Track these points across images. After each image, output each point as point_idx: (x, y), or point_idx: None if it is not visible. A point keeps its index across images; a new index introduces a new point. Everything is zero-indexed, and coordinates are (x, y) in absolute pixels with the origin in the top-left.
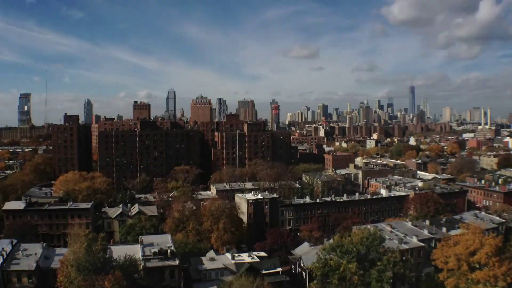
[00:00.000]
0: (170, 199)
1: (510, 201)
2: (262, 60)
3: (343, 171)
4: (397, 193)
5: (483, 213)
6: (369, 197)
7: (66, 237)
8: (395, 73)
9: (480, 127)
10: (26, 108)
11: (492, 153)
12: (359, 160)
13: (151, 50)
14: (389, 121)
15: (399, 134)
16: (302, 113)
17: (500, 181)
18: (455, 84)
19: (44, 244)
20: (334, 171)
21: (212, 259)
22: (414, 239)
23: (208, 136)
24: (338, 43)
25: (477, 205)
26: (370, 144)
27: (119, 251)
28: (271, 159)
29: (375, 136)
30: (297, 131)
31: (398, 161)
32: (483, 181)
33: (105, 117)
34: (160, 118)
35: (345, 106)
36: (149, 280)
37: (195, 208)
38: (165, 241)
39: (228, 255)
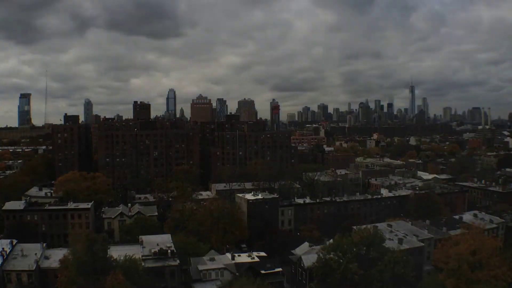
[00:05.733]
0: (170, 199)
1: (510, 201)
2: None
3: (343, 171)
4: (397, 193)
5: (483, 213)
6: (369, 197)
7: (66, 237)
8: None
9: (480, 127)
10: (26, 108)
11: (492, 153)
12: (359, 160)
13: None
14: (389, 121)
15: (399, 134)
16: (302, 113)
17: (500, 181)
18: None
19: (44, 244)
20: (334, 171)
21: (212, 259)
22: (414, 239)
23: (208, 136)
24: None
25: (477, 205)
26: (370, 144)
27: (119, 251)
28: (271, 159)
29: (375, 136)
30: (297, 131)
31: (398, 161)
32: (483, 181)
33: (105, 117)
34: (160, 118)
35: (345, 106)
36: (149, 280)
37: (195, 208)
38: (165, 241)
39: (228, 255)
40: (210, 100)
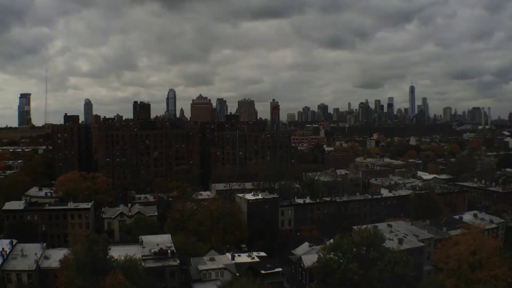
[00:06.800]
0: (170, 199)
1: (510, 201)
2: None
3: (343, 171)
4: (397, 193)
5: (483, 213)
6: (369, 197)
7: (66, 237)
8: None
9: (480, 127)
10: (26, 108)
11: (492, 153)
12: (359, 160)
13: None
14: (389, 121)
15: (399, 134)
16: (302, 113)
17: (500, 181)
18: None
19: (44, 244)
20: (334, 171)
21: (212, 259)
22: (414, 239)
23: (208, 136)
24: None
25: (477, 205)
26: (370, 144)
27: (119, 251)
28: (271, 159)
29: (375, 136)
30: (297, 131)
31: (398, 161)
32: (483, 181)
33: (105, 117)
34: (160, 118)
35: (345, 106)
36: (149, 280)
37: (195, 208)
38: (165, 241)
39: (228, 255)
40: (210, 100)
